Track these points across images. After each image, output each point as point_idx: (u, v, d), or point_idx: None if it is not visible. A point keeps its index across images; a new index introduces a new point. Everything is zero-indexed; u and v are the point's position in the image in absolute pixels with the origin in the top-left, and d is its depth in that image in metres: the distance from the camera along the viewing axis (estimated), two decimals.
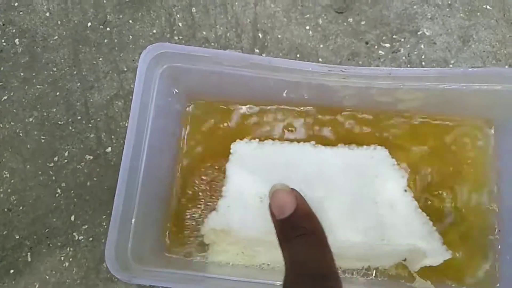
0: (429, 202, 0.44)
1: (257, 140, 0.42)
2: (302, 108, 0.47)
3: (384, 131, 0.45)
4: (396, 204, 0.39)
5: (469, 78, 0.38)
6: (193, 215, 0.45)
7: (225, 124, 0.47)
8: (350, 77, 0.37)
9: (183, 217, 0.45)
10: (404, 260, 0.40)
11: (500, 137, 0.45)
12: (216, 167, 0.46)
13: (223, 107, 0.47)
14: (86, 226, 0.49)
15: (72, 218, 0.49)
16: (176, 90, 0.44)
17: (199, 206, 0.45)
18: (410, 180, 0.44)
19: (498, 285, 0.41)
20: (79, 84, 0.52)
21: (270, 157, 0.41)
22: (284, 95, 0.44)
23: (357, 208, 0.39)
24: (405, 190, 0.39)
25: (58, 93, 0.52)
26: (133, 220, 0.38)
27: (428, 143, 0.45)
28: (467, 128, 0.45)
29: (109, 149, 0.50)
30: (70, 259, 0.48)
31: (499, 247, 0.42)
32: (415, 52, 0.51)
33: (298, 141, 0.43)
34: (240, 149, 0.42)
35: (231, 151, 0.42)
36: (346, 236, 0.38)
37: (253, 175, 0.40)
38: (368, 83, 0.38)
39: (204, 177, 0.46)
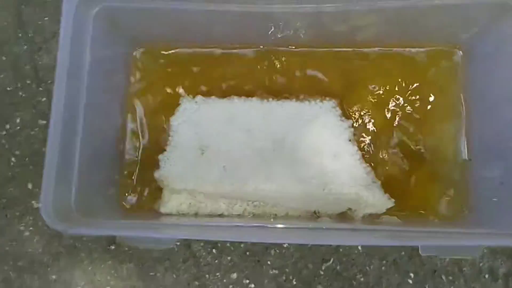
0: (397, 138, 0.42)
1: (201, 97, 0.42)
2: (251, 47, 0.44)
3: (343, 68, 0.43)
4: (340, 154, 0.39)
5: None
6: (144, 166, 0.44)
7: (175, 70, 0.45)
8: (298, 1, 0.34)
9: (134, 169, 0.44)
10: (349, 209, 0.40)
11: (468, 62, 0.42)
12: (165, 120, 0.44)
13: (171, 50, 0.45)
14: None
15: (30, 186, 0.47)
16: (115, 36, 0.41)
17: (149, 157, 0.43)
18: (375, 117, 0.42)
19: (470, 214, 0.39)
20: (25, 46, 0.49)
21: (215, 111, 0.41)
22: (231, 32, 0.42)
23: (301, 158, 0.39)
24: (350, 140, 0.39)
25: (4, 58, 0.49)
26: (75, 171, 0.36)
27: (391, 75, 0.43)
28: (432, 55, 0.43)
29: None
30: (31, 228, 0.47)
31: (470, 177, 0.41)
32: None
33: (247, 91, 0.43)
34: (185, 104, 0.42)
35: (177, 110, 0.42)
36: (288, 184, 0.38)
37: (197, 128, 0.41)
38: (317, 7, 0.34)
39: (154, 129, 0.44)
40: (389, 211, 0.38)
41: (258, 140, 0.39)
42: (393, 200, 0.38)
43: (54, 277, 0.46)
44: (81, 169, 0.37)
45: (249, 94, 0.42)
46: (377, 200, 0.37)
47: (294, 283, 0.44)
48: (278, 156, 0.39)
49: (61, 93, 0.35)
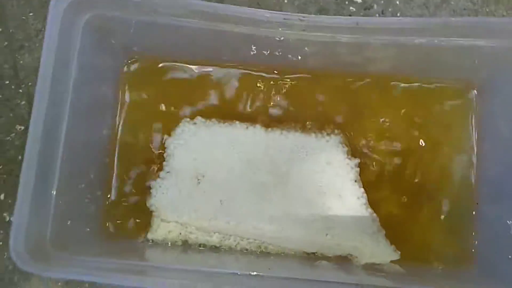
0: (403, 175, 0.40)
1: (201, 119, 0.39)
2: (257, 70, 0.41)
3: (353, 98, 0.41)
4: (345, 195, 0.37)
5: (450, 31, 0.33)
6: (133, 192, 0.41)
7: (170, 88, 0.41)
8: (310, 28, 0.31)
9: (122, 195, 0.41)
10: (349, 254, 0.37)
11: (482, 101, 0.40)
12: (160, 139, 0.41)
13: (167, 65, 0.42)
14: None
15: (2, 196, 0.43)
16: (107, 46, 0.37)
17: (138, 183, 0.41)
18: (381, 152, 0.40)
19: (474, 264, 0.37)
20: (6, 43, 0.45)
21: (214, 137, 0.38)
22: (238, 52, 0.39)
23: (304, 197, 0.37)
24: (355, 181, 0.37)
25: None
26: (52, 198, 0.33)
27: (402, 109, 0.41)
28: (445, 92, 0.41)
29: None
30: (1, 243, 0.42)
31: (477, 222, 0.39)
32: (390, 9, 0.45)
33: (251, 114, 0.40)
34: (183, 125, 0.39)
35: (173, 132, 0.39)
36: (288, 226, 0.36)
37: (194, 153, 0.38)
38: (332, 36, 0.32)
39: (146, 149, 0.41)
40: None
41: (258, 172, 0.37)
42: (399, 252, 0.36)
43: None
44: (61, 190, 0.33)
45: (250, 119, 0.39)
46: (382, 252, 0.36)
47: None
48: (279, 193, 0.36)
49: (43, 104, 0.32)
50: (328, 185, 0.37)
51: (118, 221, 0.40)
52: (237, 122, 0.39)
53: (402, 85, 0.41)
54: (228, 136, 0.38)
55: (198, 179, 0.37)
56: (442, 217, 0.39)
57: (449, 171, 0.39)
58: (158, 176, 0.38)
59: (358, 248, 0.36)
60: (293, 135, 0.38)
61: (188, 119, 0.39)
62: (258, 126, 0.38)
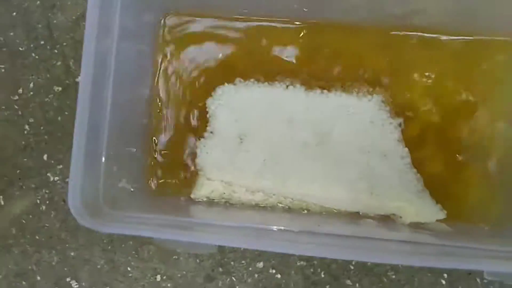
0: (448, 134, 0.39)
1: (240, 80, 0.39)
2: (296, 24, 0.40)
3: (396, 53, 0.39)
4: (389, 155, 0.36)
5: None
6: (176, 151, 0.41)
7: (209, 42, 0.40)
8: None
9: (165, 153, 0.41)
10: (393, 215, 0.37)
11: None
12: (201, 101, 0.40)
13: (206, 21, 0.41)
14: (61, 166, 0.45)
15: (45, 157, 0.45)
16: (145, 2, 0.38)
17: (181, 142, 0.41)
18: (423, 107, 0.39)
19: None
20: (38, 2, 0.44)
21: (254, 97, 0.38)
22: (277, 4, 0.38)
23: (347, 156, 0.36)
24: (399, 141, 0.37)
25: (14, 14, 0.44)
26: (103, 157, 0.33)
27: (448, 64, 0.39)
28: (495, 45, 0.38)
29: (79, 78, 0.42)
30: (47, 202, 0.43)
31: None
32: None
33: (291, 73, 0.39)
34: (224, 90, 0.39)
35: (214, 93, 0.39)
36: (332, 185, 0.36)
37: (235, 113, 0.38)
38: None
39: (188, 106, 0.41)
40: None
41: (300, 132, 0.37)
42: (445, 211, 0.36)
43: (72, 254, 0.44)
44: (109, 150, 0.33)
45: (290, 78, 0.38)
46: (428, 210, 0.36)
47: (322, 276, 0.42)
48: (322, 153, 0.36)
49: (89, 64, 0.31)
50: (371, 145, 0.36)
51: (161, 180, 0.40)
52: (277, 82, 0.38)
53: (449, 38, 0.39)
54: (267, 96, 0.38)
55: (241, 139, 0.37)
56: (489, 176, 0.38)
57: (497, 129, 0.38)
58: (202, 136, 0.38)
59: (402, 208, 0.36)
60: (334, 95, 0.38)
61: (226, 83, 0.39)
62: (298, 85, 0.38)
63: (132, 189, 0.37)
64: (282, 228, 0.30)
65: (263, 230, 0.31)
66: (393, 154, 0.36)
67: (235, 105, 0.38)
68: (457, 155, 0.38)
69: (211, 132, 0.38)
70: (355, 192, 0.36)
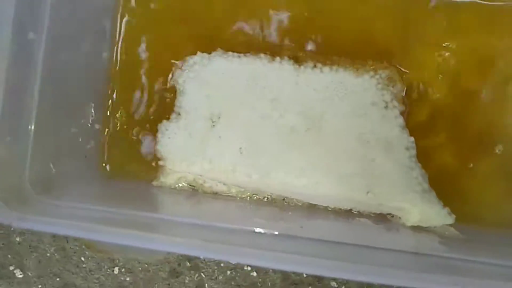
0: (462, 117, 0.33)
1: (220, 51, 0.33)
2: None
3: (405, 20, 0.33)
4: (393, 146, 0.31)
5: None
6: (137, 131, 0.35)
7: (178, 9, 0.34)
8: None
9: (124, 132, 0.36)
10: (390, 214, 0.32)
11: None
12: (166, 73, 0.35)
13: None
14: None
15: None
16: None
17: (143, 122, 0.35)
18: (436, 87, 0.33)
19: None
20: None
21: (233, 69, 0.32)
22: None
23: (342, 146, 0.31)
24: (403, 128, 0.31)
25: None
26: (31, 128, 0.28)
27: (468, 36, 0.33)
28: None
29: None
30: None
31: None
32: None
33: (277, 44, 0.33)
34: (196, 61, 0.33)
35: (184, 64, 0.33)
36: (323, 181, 0.30)
37: (208, 89, 0.32)
38: None
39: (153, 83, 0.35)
40: None
41: (286, 113, 0.31)
42: (453, 216, 0.30)
43: (18, 239, 0.39)
44: (42, 124, 0.28)
45: (275, 50, 0.32)
46: (434, 214, 0.30)
47: (304, 275, 0.37)
48: (312, 141, 0.30)
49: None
50: (372, 132, 0.31)
51: (117, 162, 0.35)
52: (262, 54, 0.32)
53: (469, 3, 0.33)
54: (249, 69, 0.32)
55: (213, 121, 0.31)
56: (506, 171, 0.33)
57: None
58: (167, 118, 0.33)
59: (404, 209, 0.30)
60: (329, 69, 0.31)
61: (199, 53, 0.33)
62: (286, 58, 0.32)
63: (81, 170, 0.31)
64: (257, 230, 0.25)
65: (233, 232, 0.25)
66: (397, 145, 0.31)
67: (208, 79, 0.32)
68: (471, 147, 0.33)
69: (178, 113, 0.32)
70: (349, 190, 0.30)
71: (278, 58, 0.32)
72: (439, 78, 0.33)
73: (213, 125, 0.31)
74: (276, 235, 0.25)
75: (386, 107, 0.31)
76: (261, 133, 0.31)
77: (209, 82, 0.32)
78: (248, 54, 0.32)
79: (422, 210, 0.30)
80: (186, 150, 0.32)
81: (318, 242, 0.25)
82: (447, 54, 0.33)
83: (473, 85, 0.33)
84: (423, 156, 0.32)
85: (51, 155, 0.30)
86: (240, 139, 0.31)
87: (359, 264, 0.22)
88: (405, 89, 0.32)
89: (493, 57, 0.33)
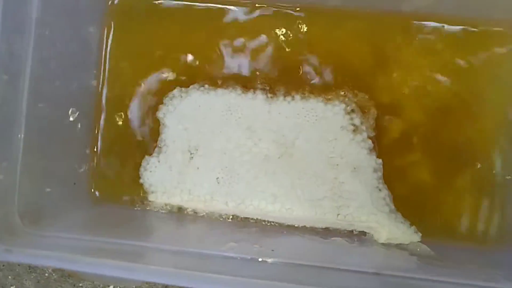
0: (434, 133, 0.34)
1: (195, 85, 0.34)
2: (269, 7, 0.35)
3: (381, 43, 0.34)
4: (360, 168, 0.32)
5: None
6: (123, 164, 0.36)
7: (165, 29, 0.36)
8: None
9: (111, 150, 0.36)
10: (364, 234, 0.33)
11: None
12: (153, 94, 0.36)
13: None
14: None
15: None
16: None
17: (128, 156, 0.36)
18: (413, 107, 0.34)
19: None
20: None
21: (208, 101, 0.33)
22: None
23: (313, 170, 0.32)
24: (371, 150, 0.32)
25: None
26: (19, 160, 0.28)
27: (441, 58, 0.34)
28: (493, 37, 0.34)
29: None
30: None
31: None
32: None
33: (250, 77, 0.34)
34: (174, 95, 0.34)
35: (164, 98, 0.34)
36: (295, 205, 0.32)
37: (186, 122, 0.33)
38: None
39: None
40: None
41: (260, 141, 0.32)
42: (419, 234, 0.32)
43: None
44: (30, 152, 0.29)
45: (249, 82, 0.34)
46: (401, 232, 0.31)
47: None
48: (285, 167, 0.32)
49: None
50: (341, 155, 0.32)
51: (106, 187, 0.36)
52: (237, 87, 0.34)
53: (440, 27, 0.34)
54: (224, 100, 0.33)
55: (191, 153, 0.33)
56: (481, 187, 0.33)
57: (493, 133, 0.34)
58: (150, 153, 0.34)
59: (373, 228, 0.32)
60: (300, 98, 0.33)
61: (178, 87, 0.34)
62: (259, 89, 0.33)
63: (69, 198, 0.32)
64: (231, 255, 0.26)
65: (208, 257, 0.26)
66: (365, 167, 0.32)
67: (186, 112, 0.33)
68: (445, 162, 0.34)
69: (160, 147, 0.34)
70: (320, 214, 0.32)
71: (251, 90, 0.33)
72: (412, 96, 0.34)
73: (191, 157, 0.33)
74: (248, 259, 0.26)
75: (355, 130, 0.32)
76: (237, 161, 0.32)
77: (187, 115, 0.33)
78: (223, 86, 0.33)
79: (390, 229, 0.31)
80: (166, 183, 0.33)
81: (289, 265, 0.26)
82: (418, 75, 0.34)
83: (444, 102, 0.34)
84: (402, 171, 0.33)
85: (39, 186, 0.30)
86: (217, 168, 0.32)
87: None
88: (375, 113, 0.33)
89: (460, 76, 0.34)
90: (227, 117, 0.33)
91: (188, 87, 0.34)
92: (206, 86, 0.34)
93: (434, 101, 0.34)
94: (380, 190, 0.31)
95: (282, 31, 0.34)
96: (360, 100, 0.32)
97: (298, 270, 0.26)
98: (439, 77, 0.34)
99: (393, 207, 0.32)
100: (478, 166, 0.33)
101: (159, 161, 0.33)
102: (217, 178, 0.32)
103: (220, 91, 0.33)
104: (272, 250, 0.27)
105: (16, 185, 0.28)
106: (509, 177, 0.33)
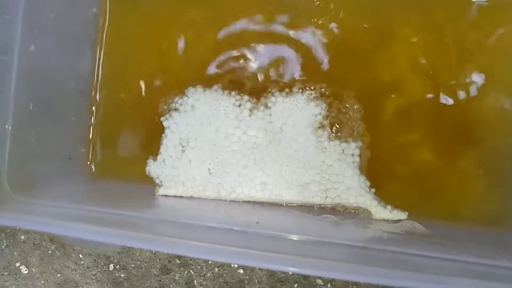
0: (438, 112, 0.33)
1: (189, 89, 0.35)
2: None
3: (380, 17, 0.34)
4: (346, 154, 0.33)
5: None
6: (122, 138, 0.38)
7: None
8: None
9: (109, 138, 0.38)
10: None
11: None
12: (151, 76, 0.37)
13: None
14: None
15: None
16: None
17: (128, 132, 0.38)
18: (410, 82, 0.34)
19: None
20: None
21: (199, 99, 0.35)
22: None
23: (302, 155, 0.33)
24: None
25: None
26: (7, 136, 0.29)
27: (442, 35, 0.33)
28: (499, 13, 0.32)
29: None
30: None
31: None
32: None
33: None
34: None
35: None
36: (284, 191, 0.33)
37: (176, 118, 0.35)
38: None
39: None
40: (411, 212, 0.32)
41: (249, 131, 0.33)
42: (406, 212, 0.32)
43: (23, 237, 0.42)
44: (21, 122, 0.30)
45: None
46: (388, 212, 0.32)
47: (290, 273, 0.37)
48: (273, 154, 0.33)
49: None
50: (329, 139, 0.33)
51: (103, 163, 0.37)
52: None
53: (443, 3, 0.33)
54: (212, 96, 0.34)
55: (183, 146, 0.34)
56: (483, 168, 0.33)
57: (496, 113, 0.33)
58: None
59: (362, 209, 0.32)
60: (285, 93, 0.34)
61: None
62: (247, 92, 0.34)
63: (66, 170, 0.33)
64: (220, 225, 0.26)
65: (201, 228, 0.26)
66: (348, 152, 0.32)
67: (175, 107, 0.35)
68: (448, 142, 0.33)
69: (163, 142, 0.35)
70: (309, 197, 0.32)
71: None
72: (413, 72, 0.33)
73: (183, 150, 0.34)
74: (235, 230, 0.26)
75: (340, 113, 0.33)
76: (227, 152, 0.33)
77: (176, 109, 0.34)
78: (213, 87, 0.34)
79: (376, 209, 0.31)
80: (162, 177, 0.34)
81: (274, 237, 0.26)
82: (422, 48, 0.33)
83: (447, 79, 0.33)
84: (405, 149, 0.33)
85: (31, 156, 0.31)
86: (208, 160, 0.34)
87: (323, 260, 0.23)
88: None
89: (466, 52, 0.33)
90: (215, 107, 0.34)
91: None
92: (198, 86, 0.35)
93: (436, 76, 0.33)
94: (359, 174, 0.32)
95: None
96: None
97: (283, 242, 0.25)
98: (443, 52, 0.33)
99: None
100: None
101: (161, 154, 0.35)
102: (209, 169, 0.33)
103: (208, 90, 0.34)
104: (257, 223, 0.27)
105: (5, 154, 0.29)
106: None
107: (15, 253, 0.42)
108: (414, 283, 0.20)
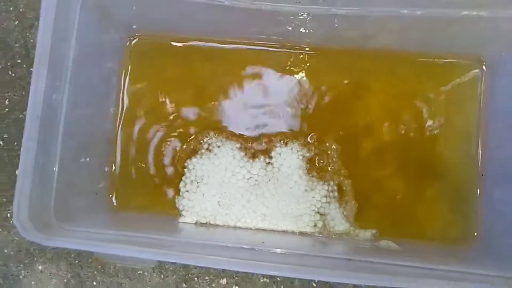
0: (405, 150, 0.41)
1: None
2: (260, 46, 0.43)
3: (353, 74, 0.42)
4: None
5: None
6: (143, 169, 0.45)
7: (177, 67, 0.44)
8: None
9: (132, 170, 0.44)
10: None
11: (491, 77, 0.40)
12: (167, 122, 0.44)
13: (176, 43, 0.44)
14: None
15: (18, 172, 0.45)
16: (108, 23, 0.40)
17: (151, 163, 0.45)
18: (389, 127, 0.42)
19: (476, 245, 0.39)
20: (17, 22, 0.46)
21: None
22: (248, 29, 0.41)
23: (295, 192, 0.41)
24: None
25: None
26: (54, 176, 0.35)
27: (407, 87, 0.41)
28: (452, 68, 0.41)
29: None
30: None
31: (482, 203, 0.40)
32: None
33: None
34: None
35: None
36: (280, 222, 0.40)
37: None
38: (328, 9, 0.31)
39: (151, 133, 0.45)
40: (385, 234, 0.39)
41: (252, 169, 0.41)
42: (374, 231, 0.40)
43: (40, 267, 0.45)
44: (63, 164, 0.36)
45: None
46: (369, 234, 0.40)
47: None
48: (272, 190, 0.41)
49: (40, 86, 0.33)
50: (319, 177, 0.41)
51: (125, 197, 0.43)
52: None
53: (404, 59, 0.41)
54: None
55: (197, 182, 0.41)
56: (446, 196, 0.40)
57: (454, 150, 0.40)
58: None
59: (346, 231, 0.40)
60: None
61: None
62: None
63: (94, 203, 0.38)
64: (232, 245, 0.32)
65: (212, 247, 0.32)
66: (333, 187, 0.41)
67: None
68: (415, 175, 0.41)
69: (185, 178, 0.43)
70: (301, 227, 0.40)
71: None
72: (384, 122, 0.41)
73: (198, 186, 0.41)
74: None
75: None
76: (233, 188, 0.41)
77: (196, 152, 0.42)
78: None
79: (356, 232, 0.39)
80: (180, 208, 0.41)
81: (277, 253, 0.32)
82: (389, 103, 0.41)
83: (412, 125, 0.41)
84: (379, 181, 0.41)
85: (71, 191, 0.37)
86: (218, 194, 0.41)
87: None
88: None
89: (425, 103, 0.41)
90: (225, 151, 0.41)
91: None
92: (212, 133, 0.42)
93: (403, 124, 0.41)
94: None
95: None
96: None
97: (283, 256, 0.31)
98: (406, 103, 0.41)
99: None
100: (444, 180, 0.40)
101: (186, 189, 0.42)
102: (218, 202, 0.41)
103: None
104: (263, 242, 0.33)
105: (52, 192, 0.34)
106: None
107: (33, 282, 0.46)
108: (390, 283, 0.27)
